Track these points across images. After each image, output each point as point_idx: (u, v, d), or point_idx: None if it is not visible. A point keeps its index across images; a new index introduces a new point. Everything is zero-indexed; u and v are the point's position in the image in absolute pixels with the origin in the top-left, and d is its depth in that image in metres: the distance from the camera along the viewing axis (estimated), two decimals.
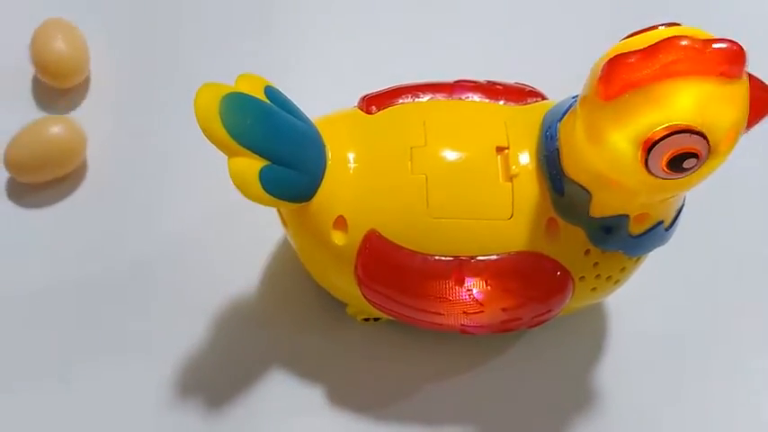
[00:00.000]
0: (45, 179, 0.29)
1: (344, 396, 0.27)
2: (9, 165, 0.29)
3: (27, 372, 0.27)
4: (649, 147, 0.19)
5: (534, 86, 0.26)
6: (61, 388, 0.27)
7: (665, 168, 0.19)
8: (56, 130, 0.29)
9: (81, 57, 0.31)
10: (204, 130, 0.21)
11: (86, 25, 0.32)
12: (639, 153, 0.19)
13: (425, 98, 0.25)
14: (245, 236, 0.29)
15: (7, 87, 0.32)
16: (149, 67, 0.32)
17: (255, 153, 0.22)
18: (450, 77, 0.26)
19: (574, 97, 0.22)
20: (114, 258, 0.29)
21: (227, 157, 0.21)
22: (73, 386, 0.27)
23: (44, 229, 0.29)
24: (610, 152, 0.20)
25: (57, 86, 0.31)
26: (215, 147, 0.21)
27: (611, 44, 0.20)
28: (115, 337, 0.28)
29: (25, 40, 0.31)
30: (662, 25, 0.19)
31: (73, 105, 0.31)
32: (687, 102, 0.18)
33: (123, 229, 0.29)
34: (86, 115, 0.31)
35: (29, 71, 0.31)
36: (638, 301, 0.28)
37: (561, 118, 0.22)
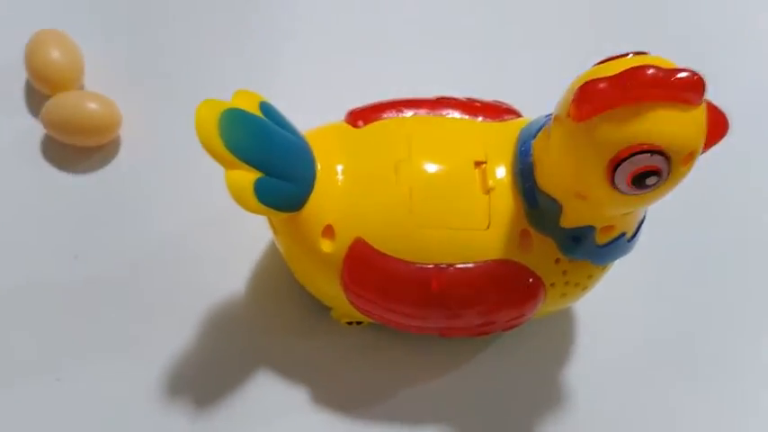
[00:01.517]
0: (76, 144, 0.30)
1: (329, 396, 0.28)
2: (45, 121, 0.30)
3: (23, 370, 0.28)
4: (615, 165, 0.20)
5: (511, 104, 0.27)
6: (56, 386, 0.27)
7: (629, 184, 0.20)
8: (93, 106, 0.30)
9: (76, 66, 0.31)
10: (204, 145, 0.22)
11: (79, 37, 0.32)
12: (606, 170, 0.20)
13: (409, 114, 0.26)
14: (234, 241, 0.29)
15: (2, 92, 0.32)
16: (146, 80, 0.33)
17: (250, 165, 0.22)
18: (432, 93, 0.27)
19: (547, 116, 0.24)
20: (108, 261, 0.29)
21: (223, 168, 0.22)
22: (67, 384, 0.27)
23: (38, 221, 0.30)
24: (579, 169, 0.21)
25: (50, 94, 0.31)
26: (213, 159, 0.22)
27: (584, 66, 0.21)
28: (107, 338, 0.28)
29: (20, 49, 0.31)
30: (631, 53, 0.21)
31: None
32: (650, 125, 0.20)
33: (118, 233, 0.30)
34: None
35: (22, 78, 0.32)
36: (605, 305, 0.29)
37: (535, 135, 0.24)
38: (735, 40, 0.36)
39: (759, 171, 0.34)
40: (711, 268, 0.31)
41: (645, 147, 0.20)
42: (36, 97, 0.32)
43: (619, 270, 0.26)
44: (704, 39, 0.36)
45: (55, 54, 0.30)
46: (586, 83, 0.20)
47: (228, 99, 0.23)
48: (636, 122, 0.20)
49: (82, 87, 0.32)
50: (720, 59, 0.35)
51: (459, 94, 0.27)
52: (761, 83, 0.35)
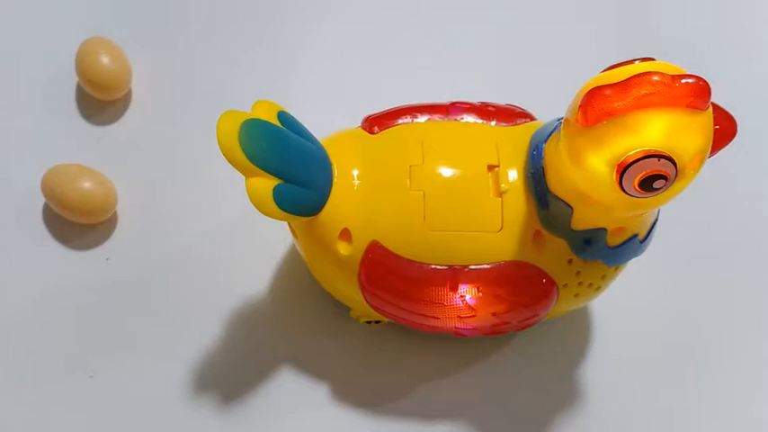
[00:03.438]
0: (77, 221, 0.31)
1: (348, 392, 0.29)
2: (45, 193, 0.30)
3: (59, 369, 0.29)
4: (623, 169, 0.20)
5: (525, 107, 0.27)
6: (89, 383, 0.29)
7: (636, 188, 0.21)
8: (87, 185, 0.30)
9: (125, 72, 0.32)
10: (225, 154, 0.22)
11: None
12: (614, 174, 0.21)
13: (423, 119, 0.26)
14: (257, 245, 0.30)
15: (53, 98, 0.33)
16: (177, 89, 0.34)
17: (270, 173, 0.23)
18: (448, 98, 0.27)
19: (559, 119, 0.24)
20: (139, 264, 0.31)
21: (244, 177, 0.23)
22: (99, 381, 0.29)
23: (74, 232, 0.31)
24: (589, 173, 0.21)
25: (101, 99, 0.32)
26: (234, 168, 0.23)
27: (598, 69, 0.22)
28: (137, 337, 0.29)
29: (70, 56, 0.32)
30: (638, 59, 0.21)
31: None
32: (657, 130, 0.20)
33: (148, 238, 0.31)
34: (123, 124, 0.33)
35: (73, 83, 0.33)
36: (619, 304, 0.29)
37: (547, 139, 0.24)
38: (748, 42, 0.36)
39: None
40: (727, 267, 0.31)
41: (651, 151, 0.20)
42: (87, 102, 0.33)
43: (633, 270, 0.26)
44: (718, 44, 0.35)
45: (105, 60, 0.31)
46: (592, 89, 0.20)
47: (248, 110, 0.24)
48: (642, 128, 0.20)
49: (130, 93, 0.33)
50: (735, 61, 0.35)
51: (475, 98, 0.28)
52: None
